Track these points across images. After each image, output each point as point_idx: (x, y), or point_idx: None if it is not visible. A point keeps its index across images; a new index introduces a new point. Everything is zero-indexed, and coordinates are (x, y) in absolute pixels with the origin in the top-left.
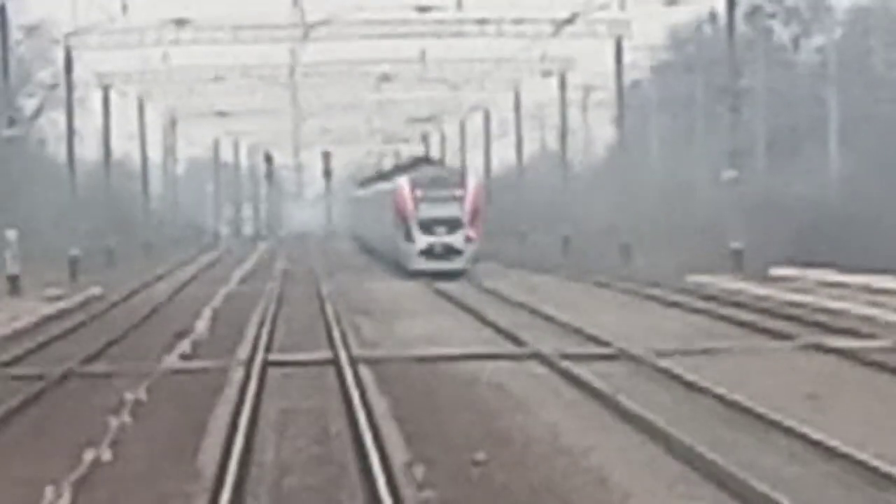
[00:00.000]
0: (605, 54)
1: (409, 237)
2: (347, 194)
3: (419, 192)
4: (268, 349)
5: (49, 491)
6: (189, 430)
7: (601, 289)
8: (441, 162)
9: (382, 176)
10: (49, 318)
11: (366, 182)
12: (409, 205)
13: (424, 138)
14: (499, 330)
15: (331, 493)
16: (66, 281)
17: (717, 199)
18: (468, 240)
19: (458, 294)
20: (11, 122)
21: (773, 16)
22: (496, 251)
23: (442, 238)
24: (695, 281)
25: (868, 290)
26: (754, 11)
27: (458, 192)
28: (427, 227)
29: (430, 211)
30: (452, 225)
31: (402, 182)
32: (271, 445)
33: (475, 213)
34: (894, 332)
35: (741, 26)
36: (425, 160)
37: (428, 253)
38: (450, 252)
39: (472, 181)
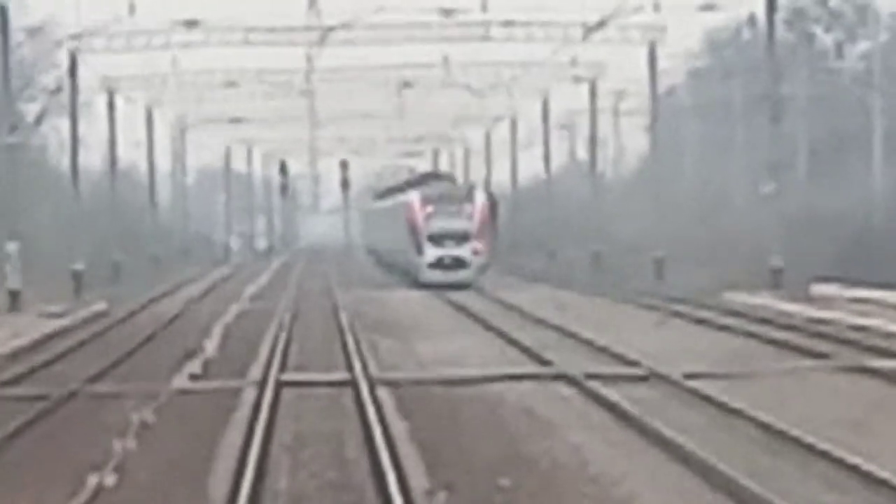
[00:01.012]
0: (638, 60)
1: (419, 250)
2: (363, 207)
3: (429, 207)
4: (282, 369)
5: None
6: (198, 455)
7: (633, 307)
8: (451, 177)
9: (394, 190)
10: (51, 336)
11: (379, 196)
12: (420, 219)
13: (435, 155)
14: (524, 349)
15: None
16: (69, 296)
17: (755, 212)
18: (475, 253)
19: (481, 311)
20: (13, 129)
21: (815, 20)
22: (522, 266)
23: (451, 251)
24: (731, 299)
25: None
26: (796, 15)
27: (466, 207)
28: (436, 240)
29: (439, 225)
30: (461, 238)
31: (413, 197)
32: (285, 471)
33: (482, 227)
34: None
35: (782, 31)
36: (435, 176)
37: (437, 265)
38: (458, 264)
39: (480, 197)
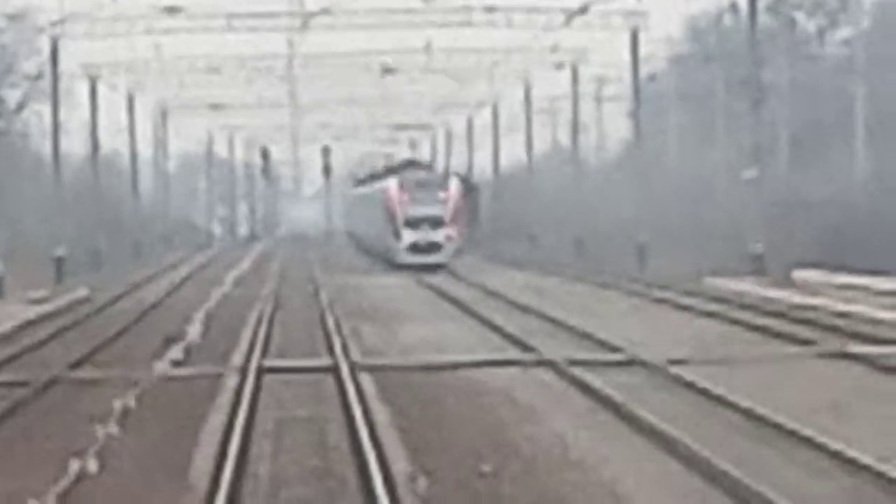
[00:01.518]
0: (620, 45)
1: (396, 234)
2: (344, 193)
3: (406, 194)
4: (264, 355)
5: None
6: (180, 441)
7: (614, 292)
8: (428, 165)
9: (373, 177)
10: (33, 322)
11: (358, 182)
12: (397, 204)
13: (412, 145)
14: (506, 335)
15: None
16: (51, 282)
17: (737, 198)
18: (449, 237)
19: (464, 297)
20: None
21: (797, 6)
22: (504, 252)
23: (426, 235)
24: (713, 284)
25: (894, 295)
26: (778, 1)
27: (441, 194)
28: (412, 224)
29: (415, 210)
30: (435, 223)
31: (391, 184)
32: (267, 457)
33: (456, 213)
34: None
35: (764, 17)
36: (413, 163)
37: (413, 248)
38: (432, 247)
39: (454, 183)
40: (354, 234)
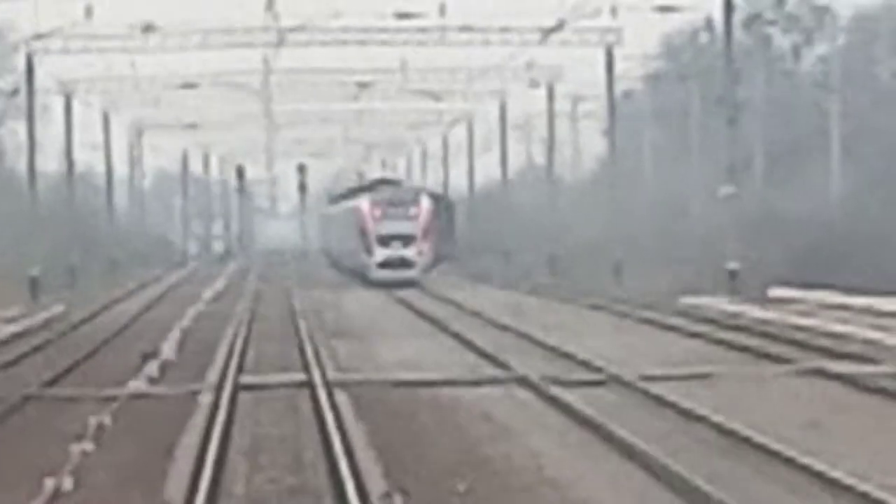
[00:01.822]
0: (595, 63)
1: (369, 251)
2: (318, 211)
3: (378, 211)
4: (239, 372)
5: None
6: (155, 458)
7: (590, 310)
8: (399, 183)
9: (347, 195)
10: (8, 340)
11: (332, 201)
12: (370, 222)
13: (384, 164)
14: (482, 353)
15: None
16: (26, 300)
17: (713, 215)
18: (420, 253)
19: (439, 315)
20: None
21: (772, 23)
22: (479, 269)
23: (398, 251)
24: (689, 302)
25: (871, 312)
26: (753, 18)
27: (412, 211)
28: (384, 241)
29: (386, 228)
30: (407, 240)
31: (363, 202)
32: (242, 475)
33: (427, 230)
34: None
35: (739, 34)
36: (385, 181)
37: (385, 264)
38: (404, 263)
39: (425, 201)
40: (329, 252)
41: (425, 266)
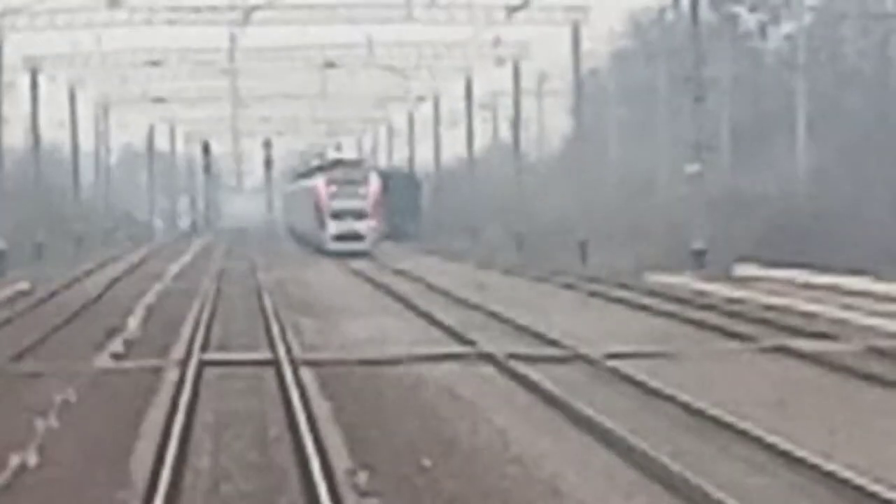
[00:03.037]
0: (561, 41)
1: (323, 225)
2: (282, 188)
3: (332, 189)
4: (204, 348)
5: None
6: (120, 434)
7: (556, 287)
8: (355, 162)
9: (306, 174)
10: None
11: (293, 179)
12: (325, 199)
13: (338, 147)
14: (447, 329)
15: (270, 501)
16: None
17: (678, 193)
18: (370, 227)
19: (404, 291)
20: None
21: (739, 1)
22: (445, 246)
23: (350, 225)
24: (654, 280)
25: (836, 290)
26: None
27: (362, 190)
28: (338, 216)
29: (340, 204)
30: (358, 215)
31: (319, 181)
32: (207, 451)
33: (376, 206)
34: (864, 335)
35: (706, 12)
36: (340, 162)
37: (339, 237)
38: (356, 236)
39: (374, 180)
40: (291, 227)
41: (374, 239)
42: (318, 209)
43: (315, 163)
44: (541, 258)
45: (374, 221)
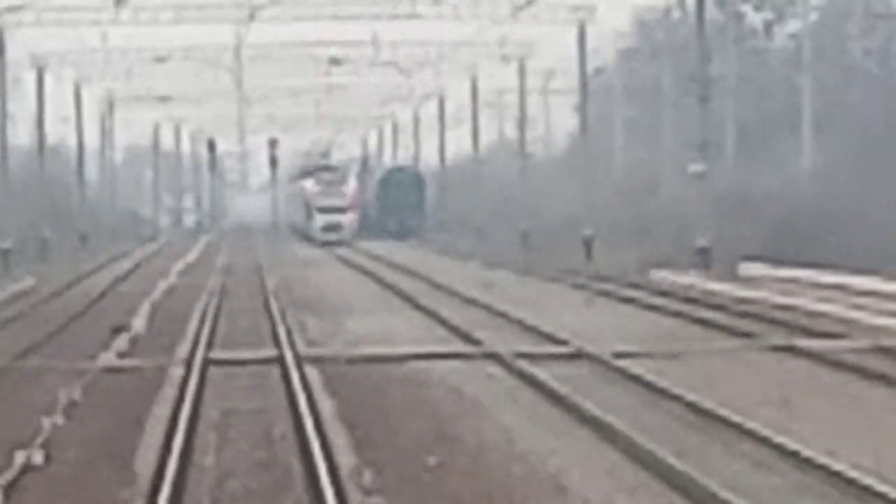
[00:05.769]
0: (567, 39)
1: (312, 218)
2: (284, 187)
3: (319, 188)
4: (209, 347)
5: None
6: (126, 432)
7: (561, 286)
8: (338, 168)
9: (300, 176)
10: None
11: (291, 180)
12: (313, 197)
13: (327, 150)
14: (452, 328)
15: (275, 499)
16: None
17: (684, 192)
18: (350, 220)
19: (409, 290)
20: None
21: (744, 0)
22: (451, 245)
23: (333, 217)
24: (660, 278)
25: (842, 289)
26: None
27: (343, 189)
28: (324, 211)
29: (325, 201)
30: (339, 210)
31: (309, 182)
32: (212, 448)
33: (354, 202)
34: (872, 334)
35: (711, 11)
36: (327, 167)
37: (324, 228)
38: (338, 227)
39: (352, 181)
40: (292, 223)
41: (353, 230)
42: (308, 205)
43: (307, 168)
44: (546, 256)
45: (353, 215)
